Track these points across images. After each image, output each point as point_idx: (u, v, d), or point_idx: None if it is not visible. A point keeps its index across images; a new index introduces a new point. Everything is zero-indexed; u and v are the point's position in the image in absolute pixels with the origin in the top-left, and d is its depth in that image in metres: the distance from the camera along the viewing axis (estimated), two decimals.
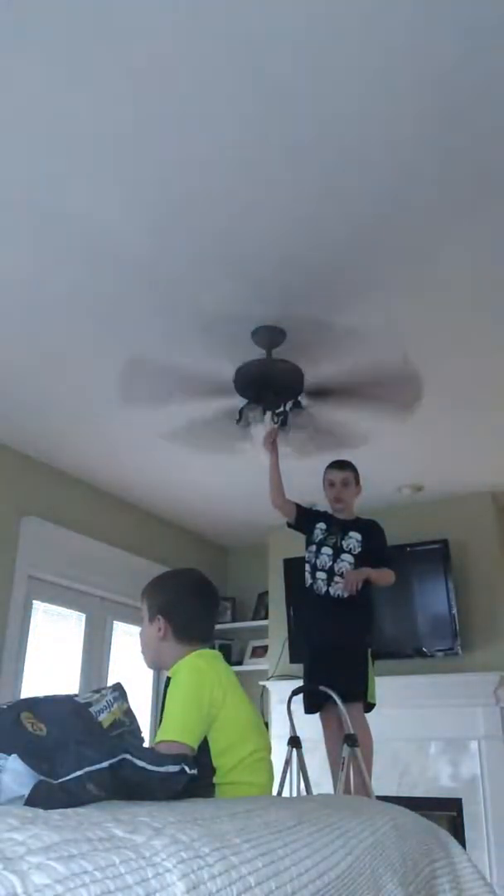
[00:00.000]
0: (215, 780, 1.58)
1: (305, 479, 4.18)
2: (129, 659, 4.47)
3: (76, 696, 1.38)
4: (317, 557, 3.03)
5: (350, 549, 2.97)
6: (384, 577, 2.94)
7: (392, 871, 1.18)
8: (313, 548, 3.06)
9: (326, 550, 3.01)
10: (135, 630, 4.45)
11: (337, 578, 2.94)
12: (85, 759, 1.11)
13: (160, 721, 1.68)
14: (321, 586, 2.98)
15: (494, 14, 1.53)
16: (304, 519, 3.12)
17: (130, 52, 1.62)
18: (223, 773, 1.59)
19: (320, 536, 3.05)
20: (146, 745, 1.44)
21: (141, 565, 4.43)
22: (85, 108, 1.76)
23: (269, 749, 1.73)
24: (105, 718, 1.31)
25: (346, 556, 2.96)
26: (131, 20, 1.54)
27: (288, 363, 2.73)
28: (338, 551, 2.99)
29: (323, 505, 3.17)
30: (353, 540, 2.98)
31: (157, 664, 1.82)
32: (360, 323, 2.66)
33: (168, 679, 1.70)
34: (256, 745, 1.67)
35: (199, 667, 1.67)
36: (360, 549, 2.96)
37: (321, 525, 3.07)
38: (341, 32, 1.57)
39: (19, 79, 1.68)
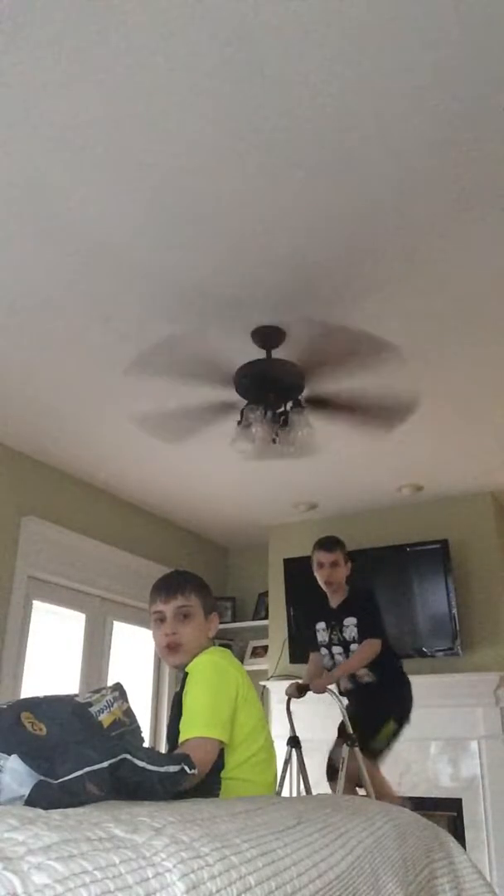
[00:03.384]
0: (222, 774, 1.59)
1: (307, 479, 4.19)
2: (129, 659, 4.48)
3: (76, 696, 1.38)
4: (332, 659, 3.12)
5: (353, 638, 3.06)
6: (363, 656, 2.98)
7: (392, 871, 1.18)
8: (325, 650, 3.15)
9: (337, 649, 3.10)
10: (135, 630, 4.45)
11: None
12: (85, 759, 1.11)
13: (172, 718, 1.69)
14: (346, 681, 3.07)
15: (497, 13, 1.53)
16: (308, 631, 3.25)
17: (132, 53, 1.62)
18: (229, 768, 1.60)
19: (325, 639, 3.14)
20: (146, 744, 1.44)
21: (141, 565, 4.43)
22: (85, 108, 1.76)
23: (273, 749, 1.75)
24: (105, 718, 1.31)
25: (353, 645, 3.05)
26: (134, 20, 1.54)
27: (288, 363, 2.73)
28: (345, 644, 3.08)
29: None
30: (351, 627, 3.07)
31: (188, 662, 1.77)
32: (359, 323, 2.67)
33: (185, 675, 1.70)
34: (263, 743, 1.70)
35: (221, 664, 1.69)
36: (357, 632, 3.05)
37: (321, 625, 3.17)
38: (342, 33, 1.57)
39: (19, 78, 1.68)
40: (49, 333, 2.75)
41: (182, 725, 1.59)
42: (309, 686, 2.99)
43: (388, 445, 3.64)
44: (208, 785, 1.52)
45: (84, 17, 1.53)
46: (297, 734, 3.02)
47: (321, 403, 2.90)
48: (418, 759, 4.03)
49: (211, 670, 1.67)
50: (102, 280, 2.43)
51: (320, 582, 3.13)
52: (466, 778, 3.90)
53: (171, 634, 1.76)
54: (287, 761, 2.96)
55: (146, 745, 1.39)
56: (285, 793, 2.97)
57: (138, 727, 1.40)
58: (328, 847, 1.02)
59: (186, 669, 1.71)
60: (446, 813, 3.83)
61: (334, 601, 3.14)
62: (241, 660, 5.01)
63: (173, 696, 1.79)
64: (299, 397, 2.79)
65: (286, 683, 3.96)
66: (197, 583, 1.86)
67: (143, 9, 1.52)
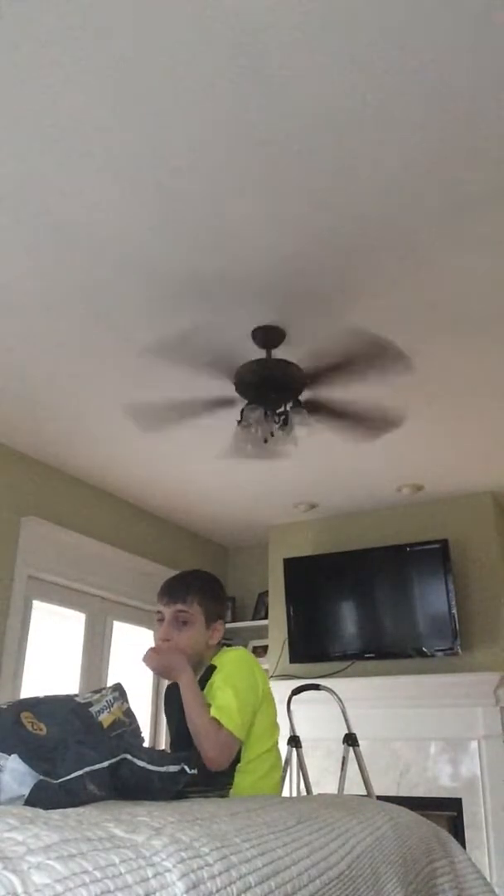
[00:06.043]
0: (237, 767, 1.63)
1: (307, 479, 4.19)
2: (129, 659, 4.47)
3: (76, 696, 1.38)
4: None
5: None
6: None
7: (392, 871, 1.18)
8: None
9: None
10: (135, 630, 4.45)
11: None
12: (85, 759, 1.12)
13: (171, 712, 1.72)
14: None
15: (497, 13, 1.53)
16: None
17: (133, 54, 1.62)
18: (244, 763, 1.64)
19: None
20: (146, 744, 1.44)
21: (141, 565, 4.43)
22: (86, 108, 1.76)
23: (279, 751, 1.79)
24: (105, 718, 1.31)
25: None
26: (134, 20, 1.54)
27: (288, 363, 2.73)
28: None
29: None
30: None
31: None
32: (359, 323, 2.67)
33: (211, 668, 1.73)
34: (274, 742, 1.74)
35: (252, 662, 1.74)
36: None
37: None
38: (343, 33, 1.57)
39: (19, 78, 1.68)
40: (49, 333, 2.75)
41: (216, 709, 1.60)
42: None
43: (388, 445, 3.63)
44: (220, 778, 1.56)
45: (85, 17, 1.53)
46: (298, 734, 3.02)
47: (316, 407, 2.88)
48: (418, 759, 4.03)
49: (246, 668, 1.71)
50: (102, 280, 2.43)
51: None
52: (466, 778, 3.90)
53: (164, 640, 1.77)
54: (287, 761, 2.96)
55: (146, 745, 1.40)
56: (285, 793, 2.97)
57: (138, 727, 1.40)
58: (328, 847, 1.02)
59: (214, 662, 1.74)
60: (446, 813, 3.82)
61: None
62: None
63: (167, 688, 1.80)
64: (299, 398, 2.79)
65: (286, 683, 3.96)
66: (203, 589, 1.82)
67: (145, 9, 1.52)
